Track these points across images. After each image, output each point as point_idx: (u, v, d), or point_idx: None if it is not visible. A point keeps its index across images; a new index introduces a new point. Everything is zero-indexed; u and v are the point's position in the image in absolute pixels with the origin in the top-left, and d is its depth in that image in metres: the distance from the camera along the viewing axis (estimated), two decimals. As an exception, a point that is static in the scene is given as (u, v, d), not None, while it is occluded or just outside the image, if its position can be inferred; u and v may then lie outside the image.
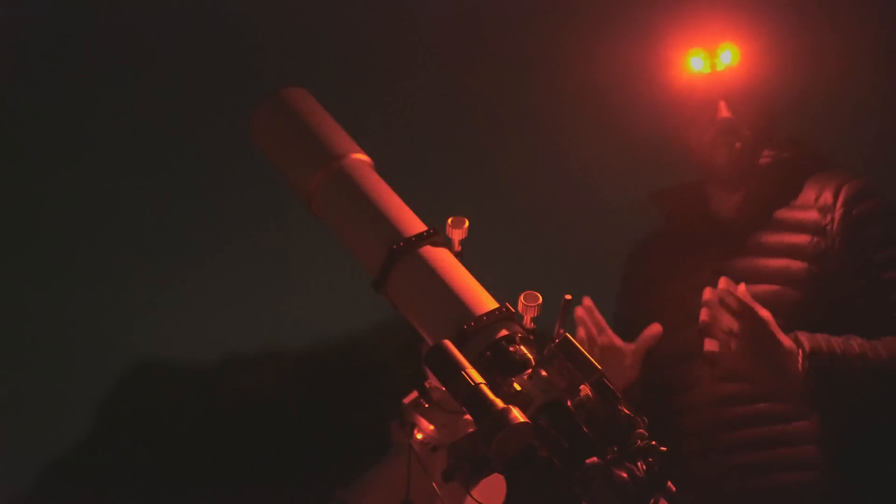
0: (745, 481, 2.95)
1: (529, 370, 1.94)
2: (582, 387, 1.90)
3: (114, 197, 6.42)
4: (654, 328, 3.07)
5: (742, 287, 2.83)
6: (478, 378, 1.86)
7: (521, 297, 2.06)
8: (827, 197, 3.04)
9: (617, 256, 3.35)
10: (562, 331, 2.00)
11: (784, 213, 3.07)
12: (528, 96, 5.43)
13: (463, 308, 2.05)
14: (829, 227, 3.01)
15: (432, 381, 2.09)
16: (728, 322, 2.81)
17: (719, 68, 3.07)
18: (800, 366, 2.82)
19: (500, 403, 1.82)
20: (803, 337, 2.85)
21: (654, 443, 1.87)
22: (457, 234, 2.18)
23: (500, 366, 1.96)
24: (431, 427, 2.08)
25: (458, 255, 2.17)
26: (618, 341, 3.07)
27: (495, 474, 1.98)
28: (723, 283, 2.84)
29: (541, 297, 2.06)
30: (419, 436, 2.11)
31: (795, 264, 3.00)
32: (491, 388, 1.85)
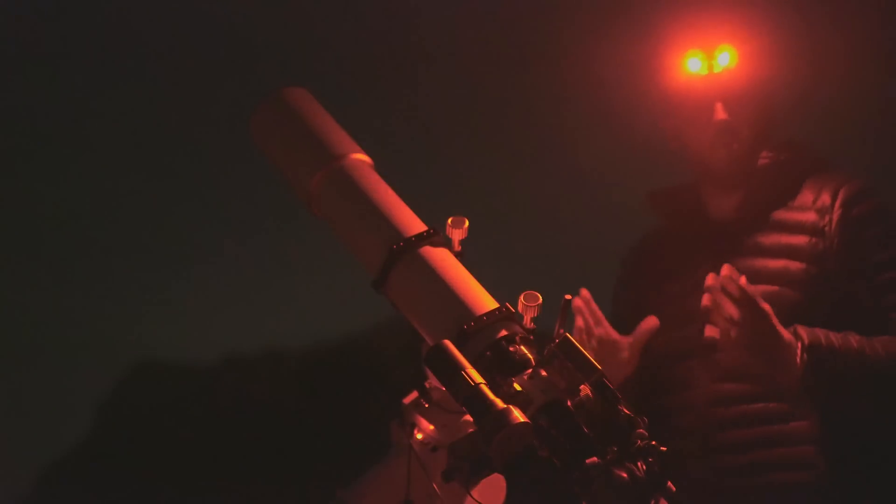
0: (743, 481, 2.95)
1: (529, 370, 1.94)
2: (582, 387, 1.90)
3: (114, 197, 6.43)
4: (651, 321, 3.06)
5: (743, 280, 2.84)
6: (478, 378, 1.86)
7: (521, 297, 2.06)
8: (825, 198, 3.04)
9: (617, 256, 3.35)
10: (562, 331, 1.99)
11: (782, 214, 3.07)
12: (527, 97, 5.44)
13: (463, 308, 2.05)
14: (827, 228, 3.01)
15: (432, 381, 2.08)
16: (729, 309, 2.81)
17: (717, 70, 3.07)
18: (798, 359, 2.83)
19: (500, 403, 1.82)
20: (802, 331, 2.85)
21: (654, 443, 1.86)
22: (457, 234, 2.18)
23: (500, 366, 1.96)
24: (431, 427, 2.07)
25: (458, 255, 2.17)
26: (615, 334, 3.06)
27: (495, 474, 1.98)
28: (725, 269, 2.84)
29: (541, 297, 2.06)
30: (419, 436, 2.10)
31: (794, 265, 3.00)
32: (491, 389, 1.85)
